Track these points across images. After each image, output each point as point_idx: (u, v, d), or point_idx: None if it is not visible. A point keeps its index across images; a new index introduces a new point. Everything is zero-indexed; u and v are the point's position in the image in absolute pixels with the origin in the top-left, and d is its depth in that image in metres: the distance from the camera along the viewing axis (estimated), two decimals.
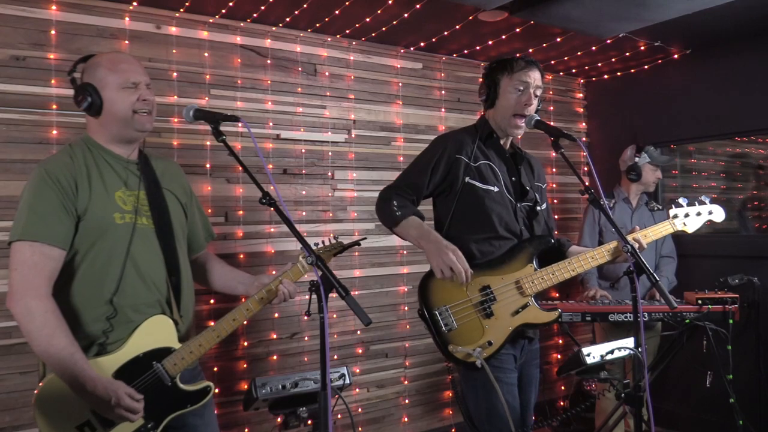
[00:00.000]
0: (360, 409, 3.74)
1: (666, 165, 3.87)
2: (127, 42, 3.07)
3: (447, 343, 2.27)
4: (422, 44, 3.88)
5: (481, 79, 2.51)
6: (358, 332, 3.74)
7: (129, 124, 1.98)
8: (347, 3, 3.14)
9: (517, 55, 2.46)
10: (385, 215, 2.37)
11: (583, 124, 4.89)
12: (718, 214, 2.52)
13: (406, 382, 3.94)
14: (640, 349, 2.07)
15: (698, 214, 2.50)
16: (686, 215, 2.49)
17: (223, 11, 3.22)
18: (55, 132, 2.88)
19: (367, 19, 3.38)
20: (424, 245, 2.29)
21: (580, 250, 2.49)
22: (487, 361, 2.23)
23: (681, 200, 2.50)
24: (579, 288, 4.63)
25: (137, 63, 2.04)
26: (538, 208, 2.47)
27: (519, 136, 2.48)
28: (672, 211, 2.50)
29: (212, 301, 3.18)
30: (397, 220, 2.32)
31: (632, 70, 4.47)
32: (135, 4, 3.06)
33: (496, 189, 2.37)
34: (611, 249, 2.36)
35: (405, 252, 3.94)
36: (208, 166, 3.29)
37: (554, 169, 4.65)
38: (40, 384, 1.85)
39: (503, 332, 2.29)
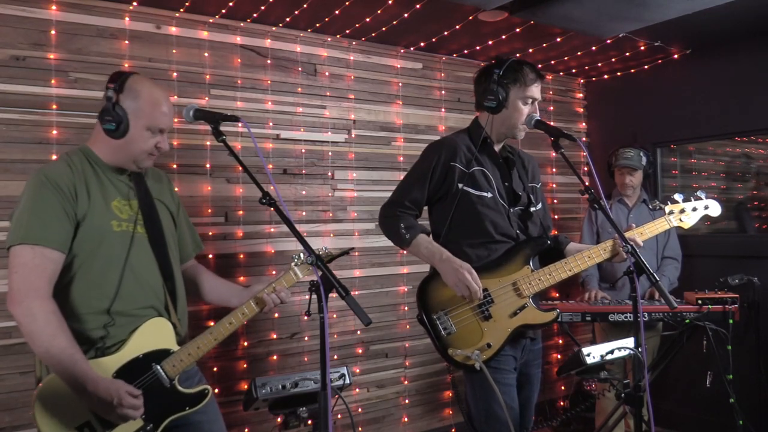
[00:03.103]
0: (360, 409, 3.74)
1: (628, 167, 3.79)
2: (127, 42, 3.07)
3: (447, 347, 2.30)
4: (422, 44, 3.89)
5: (477, 78, 2.48)
6: (358, 332, 3.74)
7: (135, 161, 2.01)
8: (347, 3, 3.14)
9: (517, 55, 2.46)
10: (394, 237, 2.43)
11: (583, 124, 4.89)
12: (714, 209, 2.51)
13: (406, 382, 3.94)
14: (640, 349, 2.07)
15: (694, 209, 2.50)
16: (682, 211, 2.49)
17: (223, 11, 3.22)
18: (55, 132, 2.88)
19: (367, 19, 3.38)
20: (438, 265, 2.34)
21: (579, 247, 2.49)
22: (486, 362, 2.25)
23: (676, 196, 2.50)
24: (579, 288, 4.64)
25: (170, 106, 2.04)
26: (532, 209, 2.48)
27: (520, 138, 2.49)
28: (667, 207, 2.49)
29: None
30: (407, 243, 2.38)
31: (632, 70, 4.47)
32: (135, 4, 3.06)
33: (489, 195, 2.39)
34: (607, 248, 2.38)
35: (405, 252, 3.93)
36: (208, 166, 3.29)
37: (554, 169, 4.65)
38: (40, 384, 1.86)
39: (502, 334, 2.31)
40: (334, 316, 3.62)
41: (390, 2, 3.14)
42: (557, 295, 4.45)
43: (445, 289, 2.33)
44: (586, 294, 3.67)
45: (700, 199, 2.50)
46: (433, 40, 3.77)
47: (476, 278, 2.26)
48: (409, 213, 2.43)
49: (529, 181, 2.54)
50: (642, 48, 3.96)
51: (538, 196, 2.55)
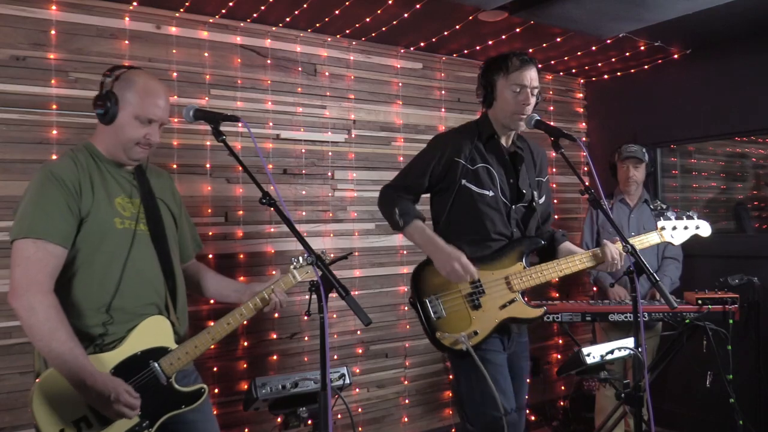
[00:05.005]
0: (360, 409, 3.74)
1: (632, 157, 3.80)
2: (127, 42, 3.07)
3: (435, 330, 2.37)
4: (422, 44, 3.88)
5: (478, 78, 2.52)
6: (358, 332, 3.74)
7: (125, 151, 2.01)
8: (347, 3, 3.14)
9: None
10: (389, 219, 2.47)
11: (583, 124, 4.89)
12: (705, 230, 2.60)
13: (406, 382, 3.94)
14: (640, 349, 2.07)
15: (685, 228, 2.57)
16: (674, 228, 2.56)
17: (223, 11, 3.22)
18: (55, 132, 2.88)
19: (367, 19, 3.38)
20: (431, 253, 2.38)
21: (571, 248, 2.52)
22: (473, 348, 2.31)
23: (670, 213, 2.58)
24: (579, 288, 4.65)
25: (166, 100, 2.04)
26: (534, 204, 2.49)
27: (521, 130, 2.48)
28: (660, 223, 2.57)
29: (212, 301, 3.17)
30: (400, 227, 2.42)
31: (632, 70, 4.47)
32: (135, 4, 3.06)
33: (491, 193, 2.41)
34: (596, 254, 2.41)
35: (405, 252, 3.94)
36: (208, 166, 3.29)
37: (554, 169, 4.65)
38: (37, 380, 1.87)
39: (489, 324, 2.37)
40: (334, 316, 3.62)
41: (390, 2, 3.14)
42: (557, 295, 4.46)
43: (438, 275, 2.37)
44: (612, 295, 3.70)
45: (692, 218, 2.58)
46: (433, 40, 3.77)
47: (467, 265, 2.29)
48: (407, 198, 2.48)
49: (536, 175, 2.55)
50: (642, 48, 3.96)
51: (542, 190, 2.56)
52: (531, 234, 2.51)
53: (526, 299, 2.43)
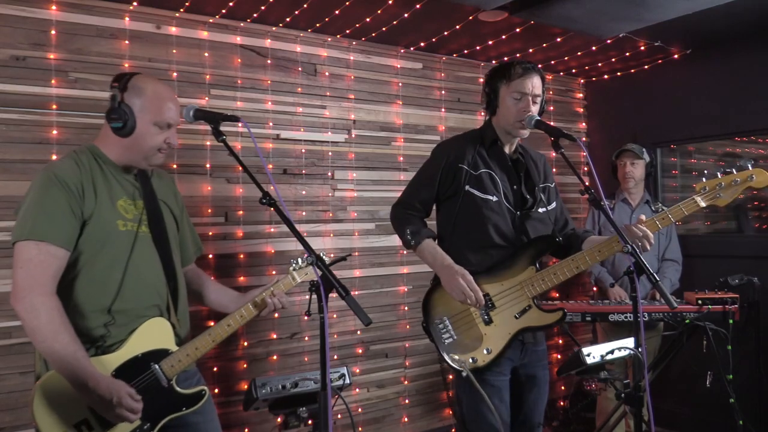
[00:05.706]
0: (360, 409, 3.74)
1: (629, 150, 3.81)
2: (127, 42, 3.07)
3: (448, 353, 2.34)
4: (422, 44, 3.88)
5: (482, 83, 2.54)
6: (358, 332, 3.74)
7: (147, 158, 2.02)
8: (347, 3, 3.14)
9: (517, 55, 2.46)
10: (401, 238, 2.50)
11: (583, 124, 4.89)
12: (762, 179, 2.26)
13: (406, 382, 3.94)
14: (640, 349, 2.07)
15: (734, 182, 2.27)
16: (718, 186, 2.27)
17: (223, 11, 3.22)
18: (55, 132, 2.88)
19: (367, 19, 3.38)
20: (438, 271, 2.40)
21: (597, 239, 2.41)
22: (484, 367, 2.30)
23: (709, 173, 2.30)
24: (579, 288, 4.64)
25: (176, 101, 2.05)
26: (541, 210, 2.47)
27: (524, 136, 2.49)
28: (699, 185, 2.27)
29: None
30: (411, 246, 2.45)
31: (632, 70, 4.47)
32: (135, 4, 3.06)
33: (494, 199, 2.40)
34: (618, 242, 2.24)
35: (405, 252, 3.93)
36: (208, 166, 3.29)
37: (554, 169, 4.61)
38: (38, 382, 1.86)
39: (502, 339, 2.33)
40: (334, 316, 3.62)
41: (390, 2, 3.14)
42: (557, 295, 4.45)
43: (448, 297, 2.36)
44: (612, 295, 3.70)
45: (745, 168, 2.25)
46: (433, 40, 3.77)
47: (471, 283, 2.30)
48: (416, 214, 2.50)
49: (542, 181, 2.53)
50: (642, 48, 3.96)
51: (551, 196, 2.54)
52: None
53: (541, 304, 2.37)
